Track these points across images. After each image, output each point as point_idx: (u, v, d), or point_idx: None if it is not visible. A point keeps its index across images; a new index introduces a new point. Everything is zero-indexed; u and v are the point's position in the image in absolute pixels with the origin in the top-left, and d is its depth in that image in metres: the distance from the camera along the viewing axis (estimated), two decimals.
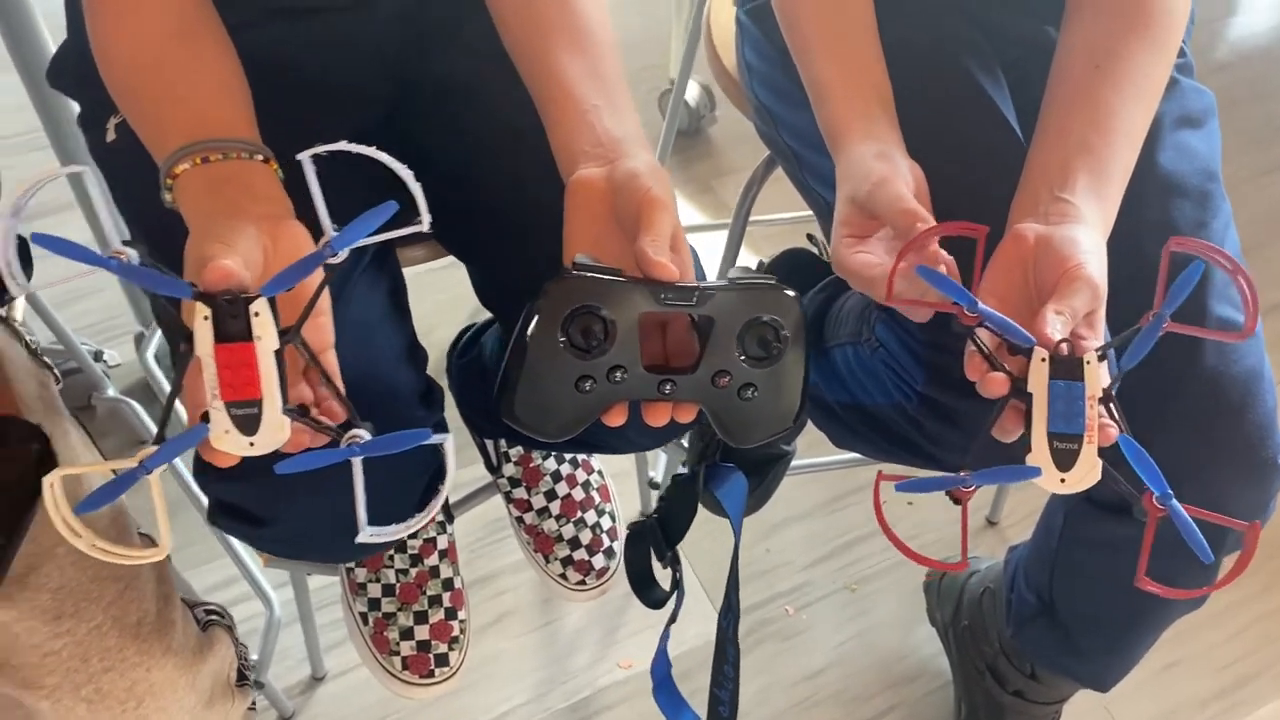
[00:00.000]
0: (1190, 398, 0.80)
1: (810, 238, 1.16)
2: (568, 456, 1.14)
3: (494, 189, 0.81)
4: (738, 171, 1.85)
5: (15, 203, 0.49)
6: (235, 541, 1.26)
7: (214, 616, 0.82)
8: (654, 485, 1.39)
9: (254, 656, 1.17)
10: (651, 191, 0.61)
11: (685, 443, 1.25)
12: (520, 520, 1.13)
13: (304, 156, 0.51)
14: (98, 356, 1.38)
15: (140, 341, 1.40)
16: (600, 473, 1.16)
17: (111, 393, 1.35)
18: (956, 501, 0.62)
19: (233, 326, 0.51)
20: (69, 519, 0.49)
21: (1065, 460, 0.58)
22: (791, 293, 0.62)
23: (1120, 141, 0.69)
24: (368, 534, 0.54)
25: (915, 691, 1.30)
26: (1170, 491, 0.58)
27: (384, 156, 0.53)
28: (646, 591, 0.99)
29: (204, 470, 0.69)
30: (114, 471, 0.50)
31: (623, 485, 1.23)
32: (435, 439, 0.53)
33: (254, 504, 0.70)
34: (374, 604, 1.03)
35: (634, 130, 0.69)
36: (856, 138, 0.71)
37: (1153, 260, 0.63)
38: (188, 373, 0.53)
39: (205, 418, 0.52)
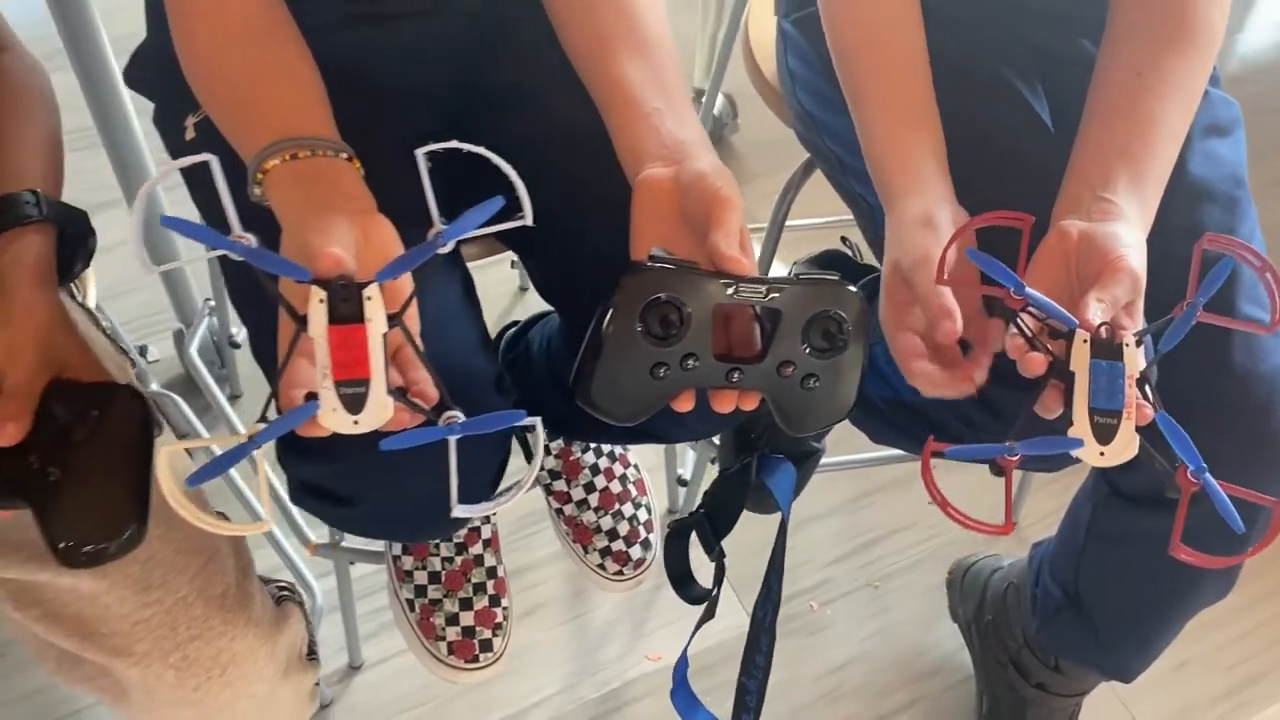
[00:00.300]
0: (1219, 395, 0.84)
1: (844, 240, 1.19)
2: (605, 450, 1.18)
3: (554, 187, 0.84)
4: (759, 178, 1.88)
5: (147, 189, 0.53)
6: (277, 531, 1.29)
7: (285, 593, 0.85)
8: (682, 482, 1.43)
9: None
10: (721, 191, 0.65)
11: (716, 440, 1.29)
12: (560, 512, 1.16)
13: (420, 154, 0.55)
14: (141, 352, 1.41)
15: (180, 338, 1.43)
16: (636, 466, 1.19)
17: (155, 386, 1.38)
18: (999, 472, 0.64)
19: (345, 310, 0.54)
20: (176, 492, 0.52)
21: (1105, 434, 0.61)
22: (854, 288, 0.65)
23: (1160, 146, 0.73)
24: (460, 510, 0.57)
25: (937, 686, 1.34)
26: (1205, 465, 0.62)
27: (492, 155, 0.56)
28: (686, 588, 1.02)
29: (290, 452, 0.72)
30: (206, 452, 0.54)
31: (650, 481, 1.26)
32: (527, 421, 0.57)
33: (340, 484, 0.73)
34: (420, 590, 1.06)
35: (697, 133, 0.72)
36: (905, 193, 0.74)
37: (1181, 261, 0.66)
38: (292, 355, 0.56)
39: (309, 398, 0.55)
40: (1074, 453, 0.61)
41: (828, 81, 0.92)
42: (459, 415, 0.57)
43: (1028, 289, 0.62)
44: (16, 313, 0.66)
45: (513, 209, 0.58)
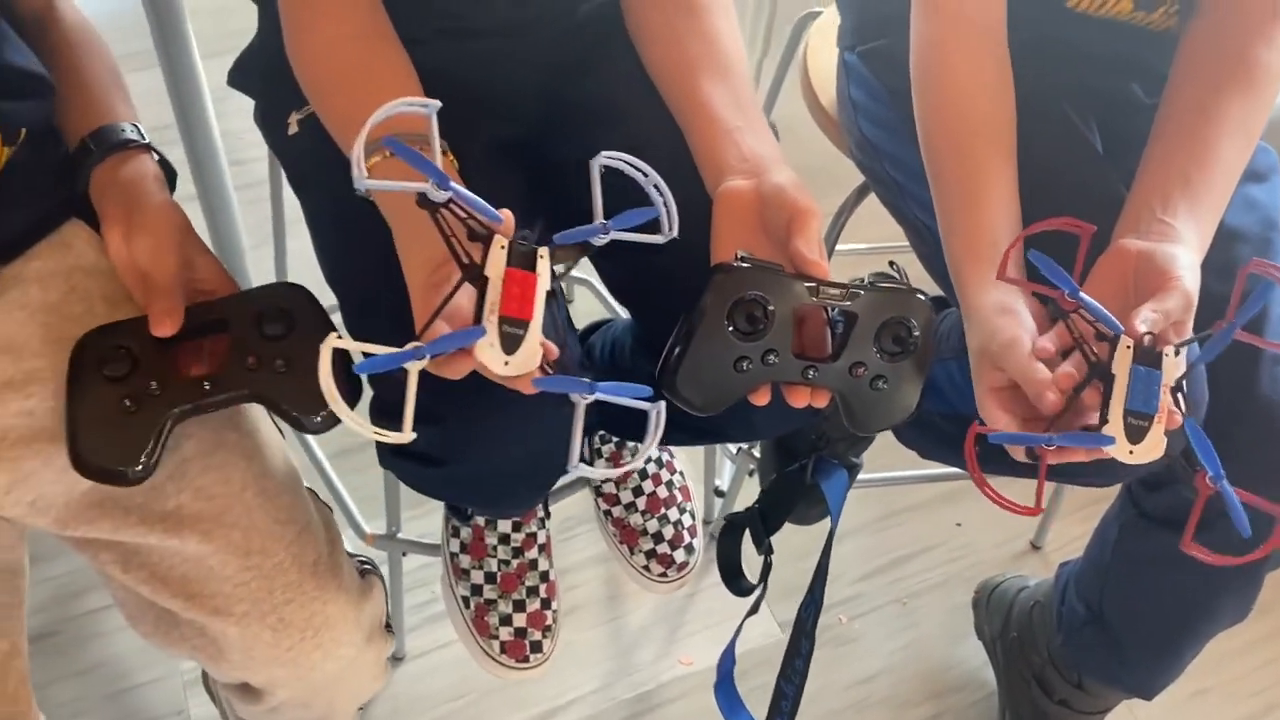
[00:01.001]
0: (1245, 424, 0.88)
1: (892, 264, 1.24)
2: (653, 456, 1.22)
3: (637, 198, 0.90)
4: None
5: (372, 124, 0.58)
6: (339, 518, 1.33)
7: (367, 567, 0.89)
8: (719, 493, 1.47)
9: None
10: (800, 202, 0.70)
11: (756, 452, 1.33)
12: (608, 514, 1.21)
13: (594, 162, 0.63)
14: None
15: None
16: (681, 474, 1.24)
17: None
18: (1036, 459, 0.69)
19: (520, 260, 0.60)
20: (332, 387, 0.56)
21: (1136, 434, 0.66)
22: (924, 297, 0.70)
23: (1218, 177, 0.78)
24: (579, 470, 0.62)
25: (961, 700, 1.37)
26: (1223, 473, 0.67)
27: (642, 165, 0.65)
28: (735, 581, 1.06)
29: (388, 415, 0.77)
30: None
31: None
32: (648, 406, 0.62)
33: (441, 445, 0.77)
34: (476, 589, 1.11)
35: (774, 149, 0.78)
36: (980, 284, 0.76)
37: (1212, 297, 0.71)
38: (454, 293, 0.60)
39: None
40: (1106, 449, 0.66)
41: (891, 111, 0.98)
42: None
43: (1081, 293, 0.67)
44: (154, 219, 0.75)
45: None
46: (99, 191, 0.78)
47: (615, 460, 1.20)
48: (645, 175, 0.68)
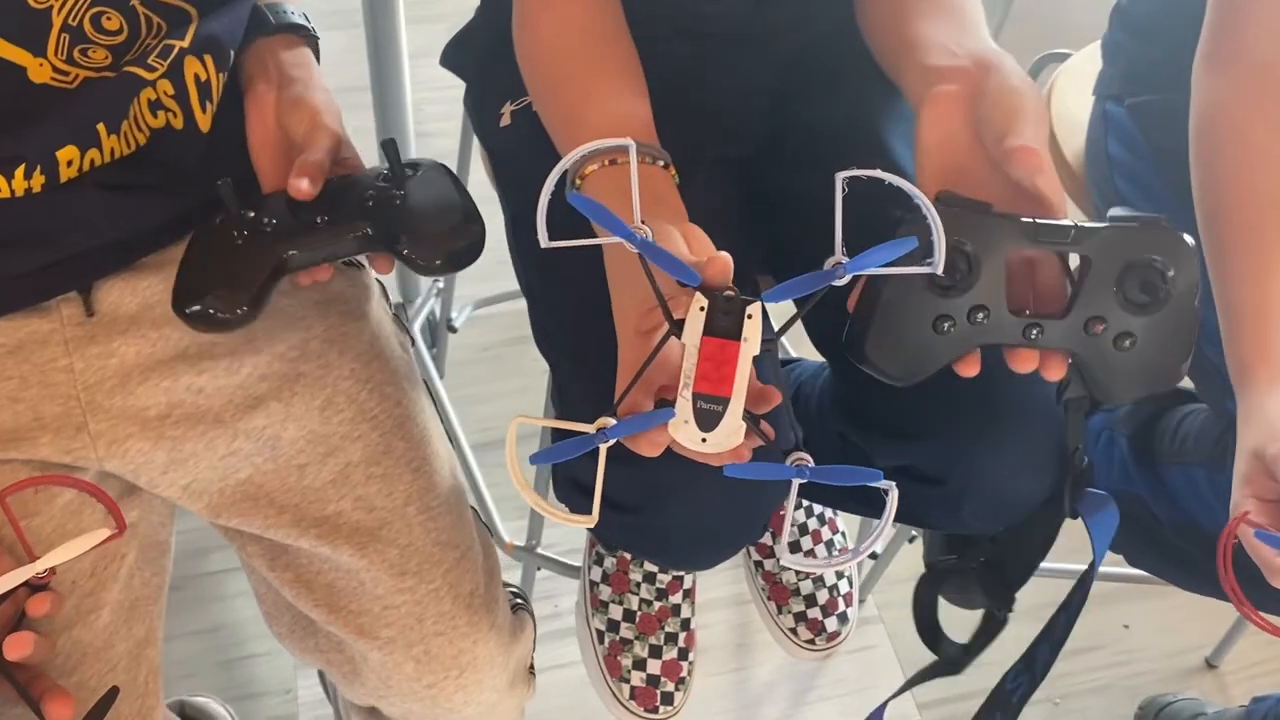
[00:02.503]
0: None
1: None
2: (816, 511, 1.13)
3: (854, 234, 0.81)
4: None
5: (553, 178, 0.51)
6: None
7: (519, 600, 0.83)
8: (873, 556, 1.36)
9: None
10: (1027, 98, 0.56)
11: (918, 532, 1.21)
12: (759, 565, 1.12)
13: (839, 176, 0.51)
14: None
15: (403, 311, 1.45)
16: (844, 534, 1.14)
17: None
18: None
19: (724, 322, 0.50)
20: (517, 467, 0.50)
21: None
22: (1188, 238, 0.57)
23: None
24: (789, 560, 0.54)
25: None
26: None
27: (914, 191, 0.50)
28: (936, 641, 0.91)
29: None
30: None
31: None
32: (882, 484, 0.52)
33: (634, 491, 0.69)
34: (613, 625, 1.03)
35: (998, 51, 0.62)
36: (1271, 382, 0.66)
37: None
38: (654, 359, 0.53)
39: (662, 403, 0.52)
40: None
41: (1154, 173, 0.86)
42: (808, 459, 0.53)
43: None
44: (319, 103, 0.67)
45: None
46: (257, 63, 0.71)
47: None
48: (910, 196, 0.52)
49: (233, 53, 0.69)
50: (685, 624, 1.04)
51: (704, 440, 0.51)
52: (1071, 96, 1.08)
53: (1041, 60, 1.20)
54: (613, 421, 0.52)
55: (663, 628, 1.03)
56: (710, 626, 1.34)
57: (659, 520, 0.70)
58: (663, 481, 0.67)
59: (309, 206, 0.64)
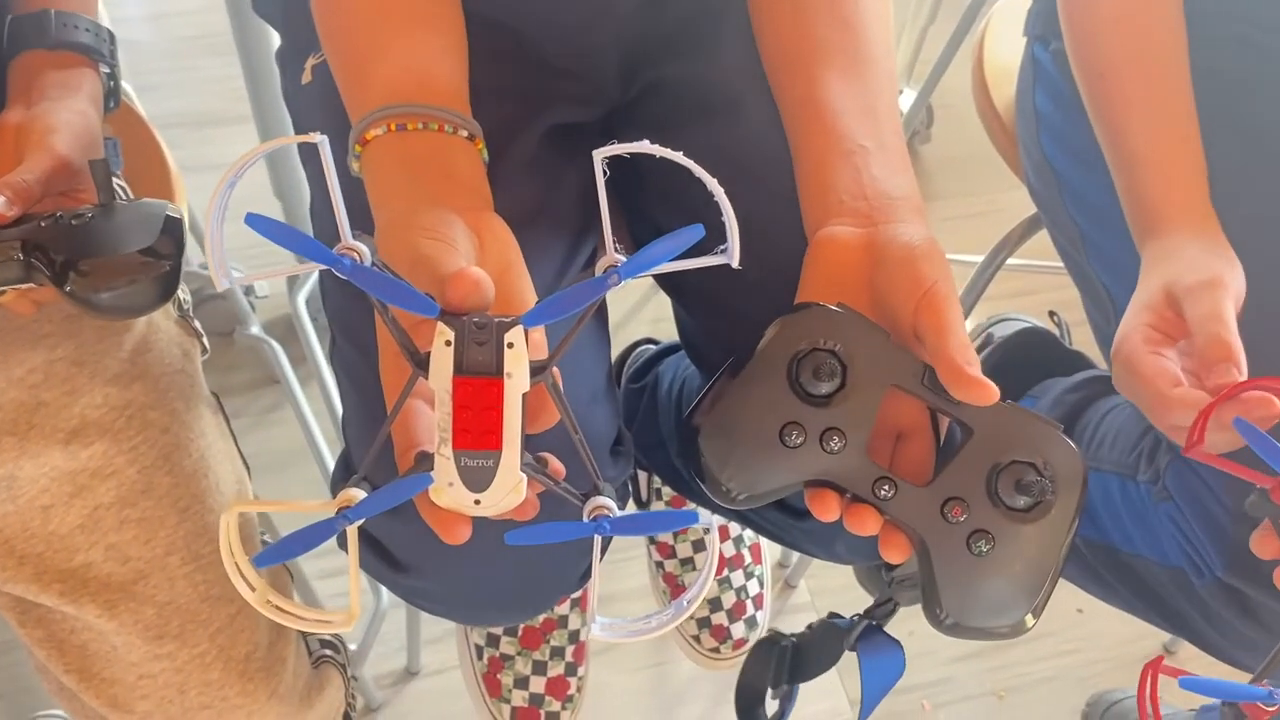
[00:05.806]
0: None
1: (1053, 315, 1.00)
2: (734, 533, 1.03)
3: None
4: (946, 199, 1.68)
5: (229, 177, 0.39)
6: None
7: (328, 652, 0.72)
8: (790, 584, 1.26)
9: (352, 646, 1.10)
10: (938, 287, 0.48)
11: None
12: (660, 565, 1.02)
13: (598, 155, 0.39)
14: (248, 291, 1.31)
15: (293, 282, 1.33)
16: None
17: (255, 330, 1.28)
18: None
19: (478, 356, 0.39)
20: (243, 567, 0.40)
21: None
22: (1078, 451, 0.49)
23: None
24: (597, 628, 0.43)
25: None
26: None
27: (693, 165, 0.40)
28: (749, 712, 0.82)
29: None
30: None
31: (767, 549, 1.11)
32: (700, 524, 0.42)
33: (401, 547, 0.59)
34: (493, 640, 0.93)
35: (908, 187, 0.56)
36: (1183, 228, 0.61)
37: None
38: (403, 403, 0.42)
39: (421, 462, 0.42)
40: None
41: (1085, 133, 0.73)
42: (609, 507, 0.42)
43: None
44: (54, 123, 0.58)
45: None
46: (22, 78, 0.61)
47: (676, 504, 1.01)
48: (704, 178, 0.40)
49: None
50: (573, 636, 0.94)
51: (477, 502, 0.41)
52: (1007, 39, 0.95)
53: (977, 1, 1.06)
54: (360, 495, 0.41)
55: (547, 641, 0.93)
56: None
57: (447, 582, 0.59)
58: (430, 540, 0.56)
59: None
